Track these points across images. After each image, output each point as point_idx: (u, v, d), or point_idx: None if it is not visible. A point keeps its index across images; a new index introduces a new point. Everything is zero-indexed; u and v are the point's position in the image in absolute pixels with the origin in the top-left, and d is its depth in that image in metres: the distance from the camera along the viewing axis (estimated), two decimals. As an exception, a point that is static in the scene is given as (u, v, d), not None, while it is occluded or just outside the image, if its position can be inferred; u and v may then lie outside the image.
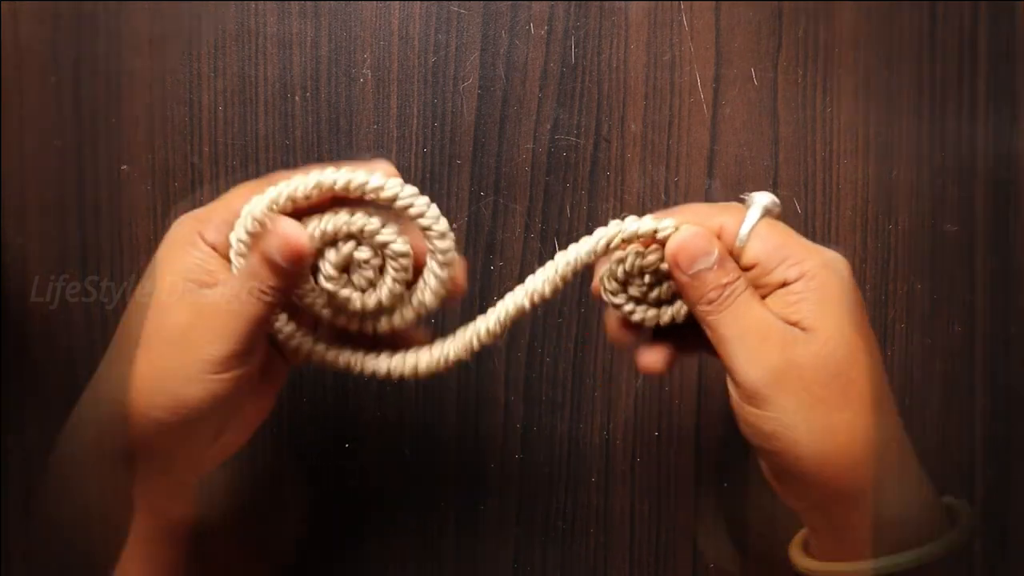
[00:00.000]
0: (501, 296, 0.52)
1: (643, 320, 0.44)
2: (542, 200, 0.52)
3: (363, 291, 0.43)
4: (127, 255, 0.52)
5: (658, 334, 0.44)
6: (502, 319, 0.44)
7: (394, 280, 0.43)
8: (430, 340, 0.44)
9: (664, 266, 0.43)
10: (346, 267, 0.43)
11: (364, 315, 0.44)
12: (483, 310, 0.52)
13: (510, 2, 0.51)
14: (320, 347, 0.44)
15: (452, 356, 0.44)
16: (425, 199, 0.42)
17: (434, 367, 0.44)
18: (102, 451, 0.43)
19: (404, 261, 0.42)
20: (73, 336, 0.52)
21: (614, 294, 0.44)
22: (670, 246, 0.42)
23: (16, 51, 0.51)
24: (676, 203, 0.52)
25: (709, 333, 0.41)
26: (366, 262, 0.42)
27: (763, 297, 0.41)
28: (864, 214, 0.52)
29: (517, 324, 0.52)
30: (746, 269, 0.41)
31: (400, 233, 0.42)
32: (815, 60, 0.52)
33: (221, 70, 0.51)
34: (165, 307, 0.41)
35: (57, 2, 0.51)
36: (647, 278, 0.44)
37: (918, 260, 0.52)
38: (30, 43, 0.51)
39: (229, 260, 0.42)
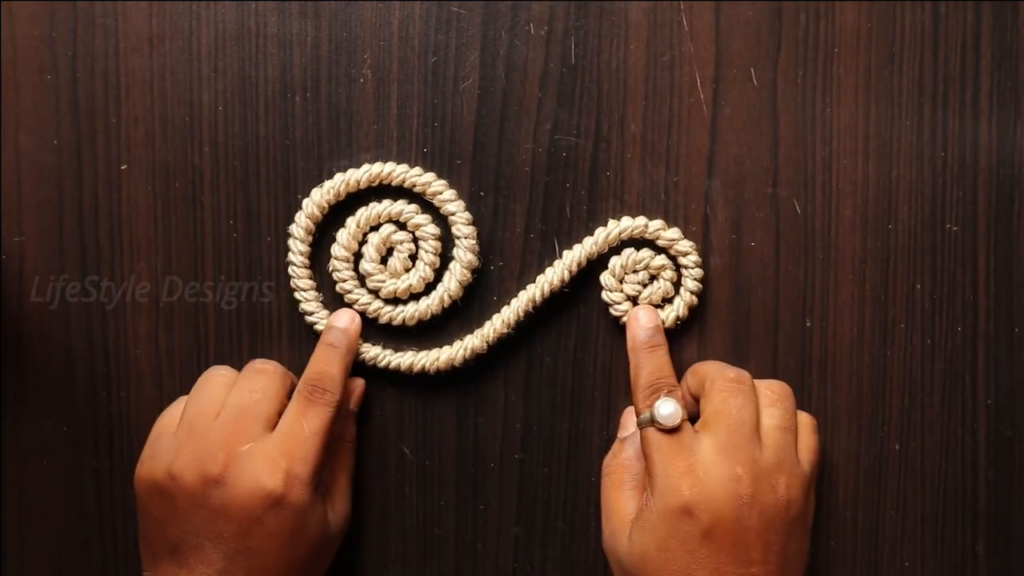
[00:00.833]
0: (501, 296, 0.52)
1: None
2: (542, 200, 0.52)
3: (398, 276, 0.51)
4: (127, 255, 0.52)
5: None
6: (518, 311, 0.51)
7: (426, 264, 0.51)
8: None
9: (655, 264, 0.51)
10: (383, 255, 0.51)
11: (397, 300, 0.51)
12: (481, 309, 0.52)
13: (510, 2, 0.51)
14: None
15: (471, 348, 0.51)
16: (452, 191, 0.51)
17: (455, 360, 0.51)
18: None
19: (435, 243, 0.51)
20: (73, 336, 0.52)
21: (611, 291, 0.51)
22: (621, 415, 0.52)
23: (13, 50, 0.51)
24: (676, 203, 0.52)
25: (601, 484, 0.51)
26: (402, 243, 0.51)
27: None
28: (864, 214, 0.52)
29: (518, 325, 0.52)
30: None
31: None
32: (815, 60, 0.51)
33: (221, 70, 0.51)
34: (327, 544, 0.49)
35: (55, 1, 0.51)
36: (641, 275, 0.51)
37: (918, 260, 0.52)
38: (27, 42, 0.51)
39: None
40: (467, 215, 0.51)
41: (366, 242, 0.51)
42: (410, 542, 0.53)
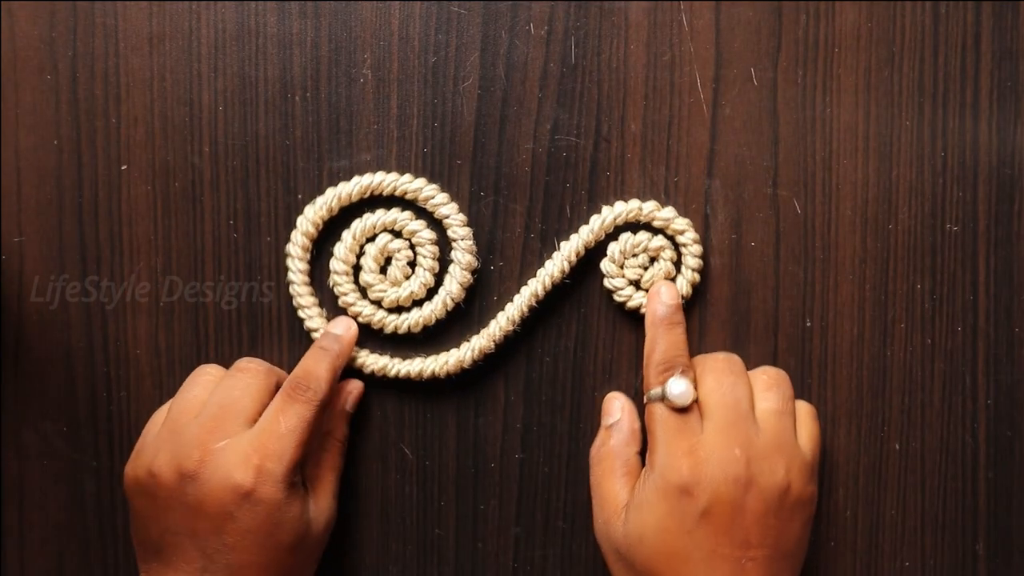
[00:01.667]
0: (501, 296, 0.52)
1: (639, 306, 0.51)
2: (542, 200, 0.52)
3: (398, 284, 0.51)
4: (127, 255, 0.52)
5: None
6: (522, 307, 0.51)
7: (426, 270, 0.51)
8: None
9: (653, 245, 0.51)
10: (382, 265, 0.51)
11: (400, 308, 0.51)
12: (482, 310, 0.52)
13: (510, 2, 0.51)
14: (362, 352, 0.52)
15: (478, 349, 0.51)
16: (444, 194, 0.51)
17: (464, 362, 0.51)
18: None
19: (433, 248, 0.51)
20: (73, 336, 0.52)
21: (613, 277, 0.51)
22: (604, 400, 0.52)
23: (13, 50, 0.51)
24: (676, 203, 0.52)
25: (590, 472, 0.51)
26: (400, 251, 0.51)
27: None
28: (864, 214, 0.52)
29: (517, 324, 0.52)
30: None
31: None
32: (815, 60, 0.51)
33: (221, 70, 0.51)
34: (307, 545, 0.48)
35: (55, 1, 0.51)
36: (641, 258, 0.51)
37: (918, 260, 0.52)
38: (27, 42, 0.51)
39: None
40: (461, 216, 0.51)
41: (364, 253, 0.51)
42: (410, 542, 0.53)
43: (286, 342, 0.52)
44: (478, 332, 0.52)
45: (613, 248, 0.51)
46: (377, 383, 0.52)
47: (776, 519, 0.45)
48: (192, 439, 0.46)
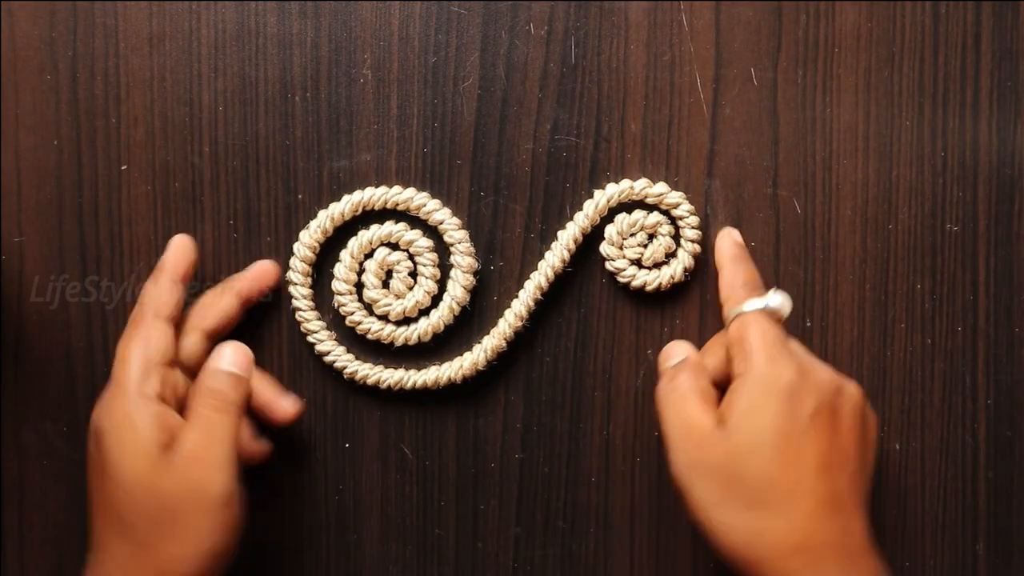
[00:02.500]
0: (501, 296, 0.52)
1: (643, 285, 0.51)
2: (542, 200, 0.52)
3: (403, 296, 0.51)
4: (127, 255, 0.52)
5: None
6: (528, 302, 0.51)
7: (427, 278, 0.51)
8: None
9: (649, 221, 0.51)
10: (384, 279, 0.51)
11: (407, 320, 0.51)
12: (483, 311, 0.52)
13: (510, 2, 0.51)
14: (376, 368, 0.52)
15: (491, 349, 0.51)
16: (436, 200, 0.51)
17: (478, 363, 0.51)
18: None
19: (432, 255, 0.51)
20: (73, 336, 0.52)
21: (613, 259, 0.51)
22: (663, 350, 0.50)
23: (13, 50, 0.51)
24: (676, 203, 0.52)
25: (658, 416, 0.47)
26: (400, 263, 0.51)
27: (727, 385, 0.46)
28: (864, 214, 0.52)
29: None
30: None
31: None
32: (815, 60, 0.51)
33: (221, 70, 0.51)
34: (148, 488, 0.44)
35: (55, 1, 0.51)
36: (639, 237, 0.51)
37: (918, 260, 0.52)
38: (27, 42, 0.51)
39: (169, 400, 0.46)
40: (456, 220, 0.51)
41: (365, 270, 0.51)
42: (410, 542, 0.53)
43: (285, 342, 0.52)
44: (479, 333, 0.52)
45: (610, 230, 0.51)
46: (386, 392, 0.52)
47: (862, 432, 0.45)
48: None
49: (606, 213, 0.51)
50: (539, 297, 0.51)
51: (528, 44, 0.51)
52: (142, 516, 0.44)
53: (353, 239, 0.51)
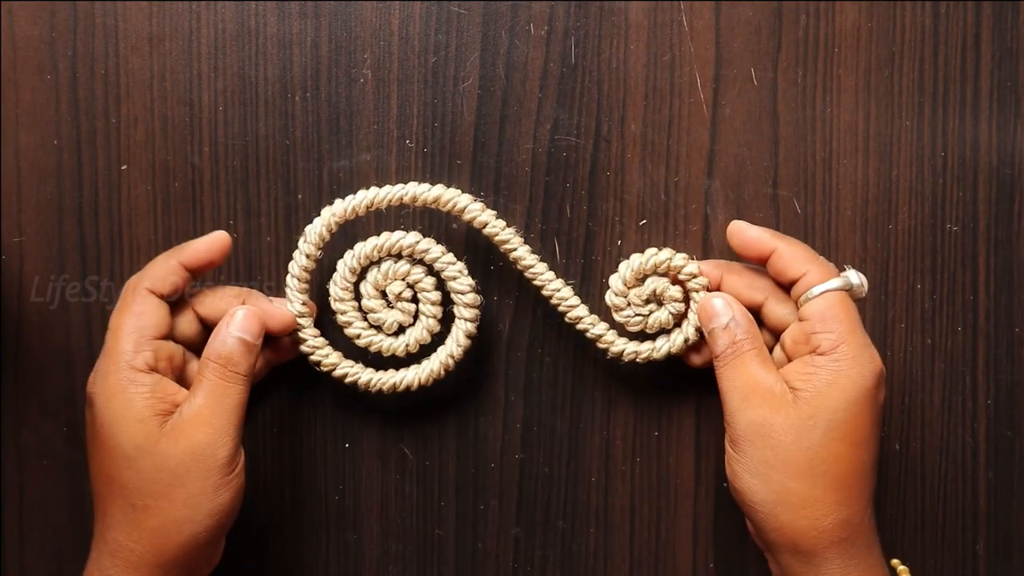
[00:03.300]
0: (501, 296, 0.52)
1: (636, 355, 0.50)
2: (542, 200, 0.52)
3: (395, 335, 0.50)
4: (127, 255, 0.52)
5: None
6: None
7: (425, 329, 0.50)
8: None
9: (659, 287, 0.49)
10: (382, 291, 0.50)
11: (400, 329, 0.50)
12: (482, 310, 0.52)
13: (510, 2, 0.51)
14: (346, 364, 0.50)
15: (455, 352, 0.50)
16: (460, 264, 0.49)
17: (436, 374, 0.50)
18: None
19: (436, 309, 0.49)
20: (73, 336, 0.52)
21: (619, 309, 0.49)
22: (699, 306, 0.49)
23: (13, 50, 0.51)
24: (676, 203, 0.52)
25: (718, 382, 0.47)
26: (401, 295, 0.49)
27: (793, 355, 0.47)
28: (864, 214, 0.52)
29: (517, 324, 0.52)
30: (802, 320, 0.46)
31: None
32: (815, 60, 0.51)
33: (221, 70, 0.51)
34: (148, 453, 0.44)
35: (55, 1, 0.51)
36: (646, 294, 0.49)
37: (918, 260, 0.52)
38: (27, 42, 0.51)
39: (163, 370, 0.46)
40: (469, 281, 0.49)
41: (364, 279, 0.49)
42: (410, 542, 0.53)
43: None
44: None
45: (618, 278, 0.49)
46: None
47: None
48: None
49: (637, 279, 0.49)
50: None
51: (528, 44, 0.51)
52: (144, 480, 0.44)
53: (372, 270, 0.49)
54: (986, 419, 0.53)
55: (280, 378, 0.52)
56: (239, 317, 0.47)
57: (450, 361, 0.50)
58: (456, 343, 0.50)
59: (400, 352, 0.50)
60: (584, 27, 0.51)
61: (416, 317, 0.50)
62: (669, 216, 0.52)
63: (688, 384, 0.53)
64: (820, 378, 0.45)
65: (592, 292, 0.52)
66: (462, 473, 0.53)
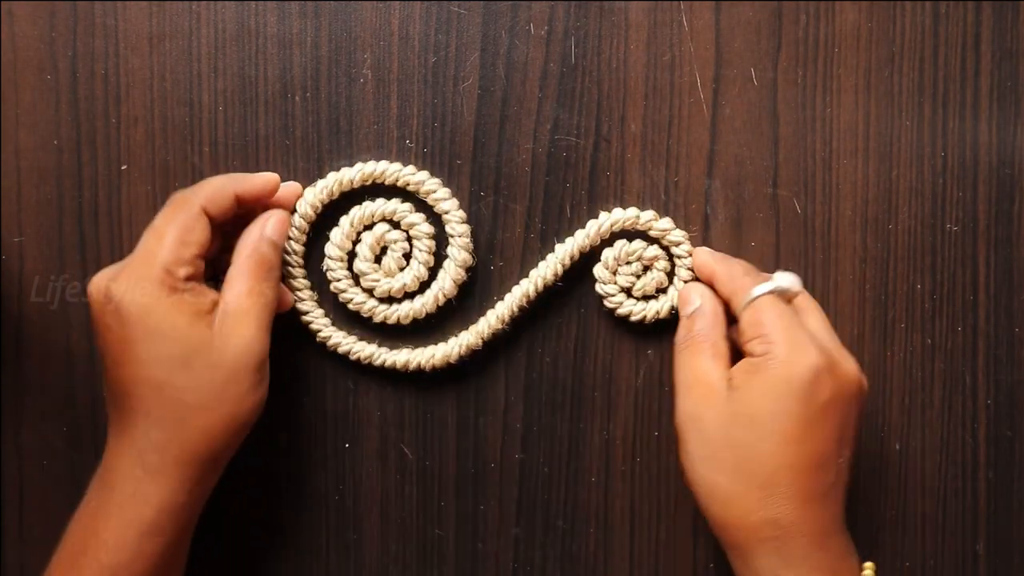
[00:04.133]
0: (501, 296, 0.52)
1: (628, 314, 0.51)
2: (542, 200, 0.52)
3: (392, 275, 0.51)
4: (127, 255, 0.52)
5: None
6: (512, 307, 0.51)
7: (420, 263, 0.51)
8: None
9: (647, 254, 0.51)
10: (377, 254, 0.51)
11: (392, 299, 0.51)
12: (482, 310, 0.52)
13: (510, 2, 0.51)
14: (349, 339, 0.52)
15: (466, 346, 0.51)
16: (446, 189, 0.51)
17: (450, 357, 0.51)
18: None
19: (429, 242, 0.51)
20: (73, 336, 0.52)
21: (605, 283, 0.51)
22: (679, 292, 0.51)
23: (13, 50, 0.51)
24: (676, 203, 0.52)
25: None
26: (396, 242, 0.51)
27: (738, 356, 0.47)
28: (864, 214, 0.52)
29: (517, 324, 0.52)
30: (740, 331, 0.47)
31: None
32: (815, 60, 0.51)
33: (221, 70, 0.51)
34: (201, 352, 0.45)
35: (55, 1, 0.51)
36: (634, 266, 0.51)
37: (918, 260, 0.52)
38: (27, 42, 0.51)
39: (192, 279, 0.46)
40: (461, 213, 0.51)
41: (360, 241, 0.51)
42: (410, 542, 0.53)
43: (286, 341, 0.52)
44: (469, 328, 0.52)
45: (607, 254, 0.51)
46: (378, 381, 0.52)
47: (861, 422, 0.47)
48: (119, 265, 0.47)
49: (608, 236, 0.51)
50: (524, 305, 0.51)
51: (528, 44, 0.51)
52: (201, 381, 0.45)
53: (356, 208, 0.51)
54: (986, 419, 0.53)
55: (280, 378, 0.52)
56: (273, 221, 0.48)
57: (450, 284, 0.51)
58: (455, 262, 0.51)
59: (397, 292, 0.51)
60: (584, 27, 0.51)
61: (408, 260, 0.51)
62: (669, 216, 0.52)
63: (688, 384, 0.53)
64: (753, 377, 0.45)
65: (592, 292, 0.52)
66: (462, 473, 0.53)
